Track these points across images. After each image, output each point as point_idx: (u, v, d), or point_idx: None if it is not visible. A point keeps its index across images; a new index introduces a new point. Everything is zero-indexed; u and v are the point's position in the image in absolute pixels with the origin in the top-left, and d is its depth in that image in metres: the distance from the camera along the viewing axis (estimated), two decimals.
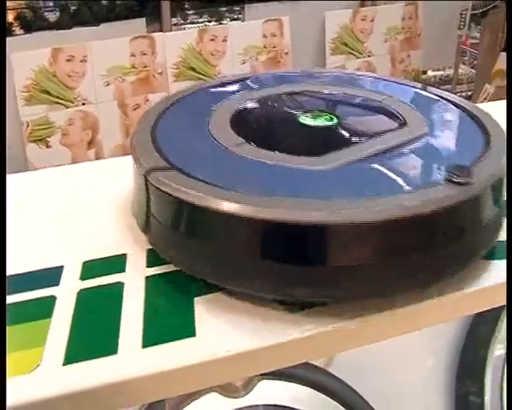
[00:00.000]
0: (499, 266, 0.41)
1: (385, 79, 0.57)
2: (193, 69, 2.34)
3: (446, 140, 0.45)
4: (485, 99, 2.98)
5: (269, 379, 0.62)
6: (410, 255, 0.36)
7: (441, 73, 3.18)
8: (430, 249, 0.36)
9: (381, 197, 0.36)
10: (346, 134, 0.45)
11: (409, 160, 0.41)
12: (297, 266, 0.35)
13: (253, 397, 0.62)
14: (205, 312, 0.37)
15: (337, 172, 0.39)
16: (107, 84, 2.23)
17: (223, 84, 0.55)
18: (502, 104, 0.73)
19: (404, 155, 0.42)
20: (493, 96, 2.95)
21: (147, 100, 2.29)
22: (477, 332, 0.73)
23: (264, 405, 0.65)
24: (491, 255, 0.41)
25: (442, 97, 0.52)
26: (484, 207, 0.39)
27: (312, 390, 0.67)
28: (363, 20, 2.67)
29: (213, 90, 0.54)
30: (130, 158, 0.42)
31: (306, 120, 0.47)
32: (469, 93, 3.26)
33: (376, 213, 0.34)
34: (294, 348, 0.36)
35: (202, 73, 2.36)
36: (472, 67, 3.40)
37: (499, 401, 0.70)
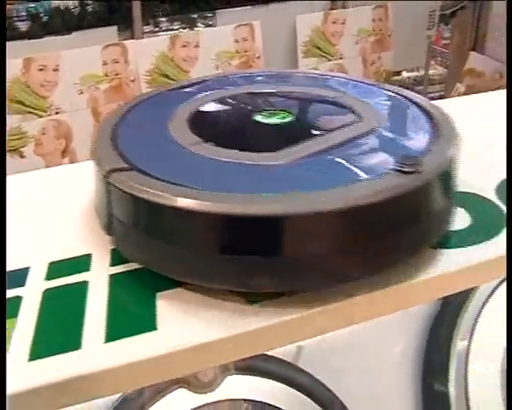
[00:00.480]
0: (449, 255, 0.42)
1: (343, 78, 0.58)
2: (166, 76, 2.35)
3: (398, 132, 0.46)
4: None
5: (238, 375, 0.63)
6: (362, 243, 0.38)
7: (416, 74, 3.21)
8: (381, 237, 0.38)
9: (334, 188, 0.37)
10: (301, 130, 0.47)
11: (361, 152, 0.43)
12: (256, 258, 0.37)
13: (226, 393, 0.64)
14: (166, 306, 0.38)
15: (291, 167, 0.41)
16: (81, 93, 2.23)
17: (184, 87, 0.56)
18: (471, 99, 0.75)
19: (357, 148, 0.43)
20: (464, 95, 2.99)
21: None
22: (439, 328, 0.75)
23: (245, 399, 0.66)
24: (442, 244, 0.43)
25: (395, 92, 0.54)
26: (433, 195, 0.41)
27: (285, 386, 0.68)
28: (334, 22, 2.69)
29: (174, 92, 0.55)
30: None
31: (262, 118, 0.48)
32: (442, 93, 3.30)
33: (328, 204, 0.36)
34: (254, 338, 0.37)
35: (175, 79, 2.36)
36: (445, 68, 3.44)
37: (464, 391, 0.72)
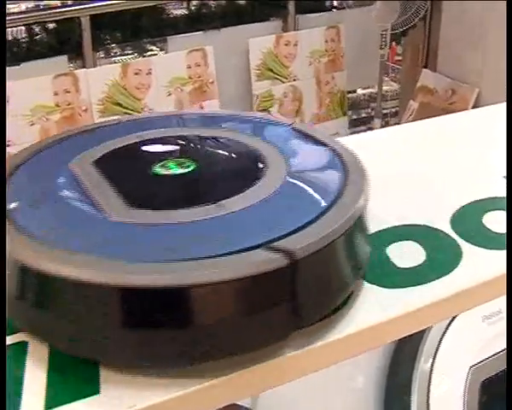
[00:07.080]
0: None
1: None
2: (119, 104, 2.32)
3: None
4: (411, 115, 3.05)
5: None
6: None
7: (370, 90, 3.23)
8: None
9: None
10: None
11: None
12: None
13: None
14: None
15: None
16: (32, 124, 2.19)
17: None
18: (424, 123, 0.74)
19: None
20: (417, 112, 3.02)
21: None
22: (402, 352, 0.74)
23: None
24: None
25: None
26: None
27: None
28: (286, 44, 2.69)
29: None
30: None
31: (163, 169, 0.44)
32: (397, 108, 3.32)
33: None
34: (196, 397, 0.35)
35: (129, 107, 2.34)
36: (399, 83, 3.47)
37: None
